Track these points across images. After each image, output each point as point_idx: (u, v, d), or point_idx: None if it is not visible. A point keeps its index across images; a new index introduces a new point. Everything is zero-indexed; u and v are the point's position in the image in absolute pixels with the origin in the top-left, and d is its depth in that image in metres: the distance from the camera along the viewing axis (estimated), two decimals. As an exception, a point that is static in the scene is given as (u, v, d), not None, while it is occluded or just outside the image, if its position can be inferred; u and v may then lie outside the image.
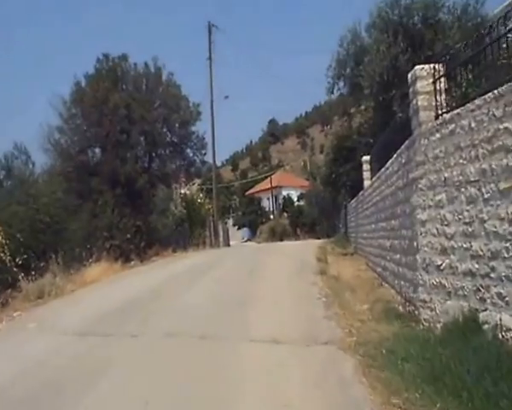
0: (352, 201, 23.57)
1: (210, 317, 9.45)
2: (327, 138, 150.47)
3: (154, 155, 29.01)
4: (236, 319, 9.15)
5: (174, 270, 18.63)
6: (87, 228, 24.75)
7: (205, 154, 30.84)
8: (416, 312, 7.81)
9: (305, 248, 24.63)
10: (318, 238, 45.28)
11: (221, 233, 39.99)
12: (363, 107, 23.32)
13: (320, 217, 46.59)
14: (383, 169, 12.10)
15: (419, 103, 7.73)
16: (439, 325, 6.90)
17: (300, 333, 7.86)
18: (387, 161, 11.32)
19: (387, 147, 11.62)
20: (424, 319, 7.39)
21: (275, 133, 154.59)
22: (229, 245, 45.53)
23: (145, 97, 27.64)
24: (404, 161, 8.97)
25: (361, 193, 18.94)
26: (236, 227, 71.77)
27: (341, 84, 22.23)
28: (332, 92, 22.73)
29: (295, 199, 64.94)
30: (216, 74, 39.14)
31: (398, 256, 9.96)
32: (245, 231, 71.31)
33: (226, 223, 65.55)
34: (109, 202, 25.32)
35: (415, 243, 7.94)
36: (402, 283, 9.42)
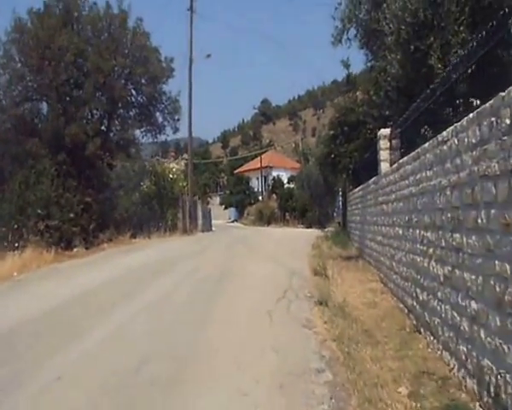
0: (357, 189, 17.60)
1: None
2: (319, 122, 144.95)
3: (113, 116, 22.62)
4: None
5: (110, 272, 12.57)
6: (17, 203, 18.61)
7: (178, 120, 24.57)
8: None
9: (297, 245, 18.75)
10: (309, 226, 39.37)
11: (200, 215, 33.83)
12: (378, 64, 17.14)
13: (312, 202, 40.54)
14: (428, 145, 6.12)
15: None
16: None
17: None
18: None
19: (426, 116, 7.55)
20: None
21: (267, 113, 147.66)
22: (210, 229, 39.53)
23: (104, 44, 21.25)
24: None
25: (372, 180, 12.86)
26: (223, 206, 66.05)
27: (352, 32, 15.97)
28: (340, 41, 16.34)
29: (285, 181, 59.06)
30: (199, 30, 32.37)
31: (469, 305, 4.12)
32: (232, 211, 66.07)
33: (208, 203, 59.44)
34: (48, 170, 19.06)
35: None
36: (469, 346, 3.75)
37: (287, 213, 48.45)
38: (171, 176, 26.73)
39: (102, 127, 22.42)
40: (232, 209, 65.79)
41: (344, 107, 20.91)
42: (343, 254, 15.94)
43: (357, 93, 21.01)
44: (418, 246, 6.77)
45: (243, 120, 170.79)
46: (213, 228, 42.74)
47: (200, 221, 33.64)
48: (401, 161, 8.59)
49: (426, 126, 8.12)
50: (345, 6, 15.54)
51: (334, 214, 35.56)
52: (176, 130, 24.64)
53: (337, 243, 18.86)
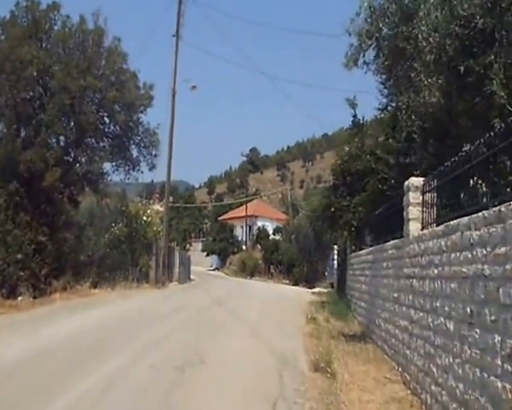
0: (363, 251, 14.47)
1: None
2: (307, 174, 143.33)
3: (81, 145, 19.34)
4: None
5: (34, 344, 9.06)
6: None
7: (155, 156, 21.37)
8: None
9: (286, 310, 15.47)
10: (296, 284, 35.95)
11: (177, 263, 30.28)
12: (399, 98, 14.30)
13: (300, 257, 37.22)
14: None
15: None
16: None
17: None
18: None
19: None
20: None
21: (254, 162, 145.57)
22: (188, 279, 36.00)
23: (74, 62, 18.24)
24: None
25: (392, 244, 9.63)
26: (205, 253, 62.63)
27: (371, 53, 12.95)
28: (355, 63, 13.20)
29: (271, 232, 55.93)
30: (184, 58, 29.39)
31: None
32: (214, 259, 63.14)
33: (188, 250, 55.81)
34: (-5, 201, 15.76)
35: None
36: None
37: (271, 266, 45.11)
38: (145, 218, 23.37)
39: (68, 157, 19.13)
40: (214, 257, 62.63)
41: (348, 153, 17.96)
42: (345, 331, 12.62)
43: (366, 138, 18.13)
44: (498, 362, 3.59)
45: (230, 168, 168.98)
46: (192, 277, 39.23)
47: (176, 270, 30.12)
48: (455, 222, 5.41)
49: (475, 178, 5.88)
50: (364, 18, 12.25)
51: (326, 273, 32.28)
52: (152, 166, 21.46)
53: (335, 312, 15.55)
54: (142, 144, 20.95)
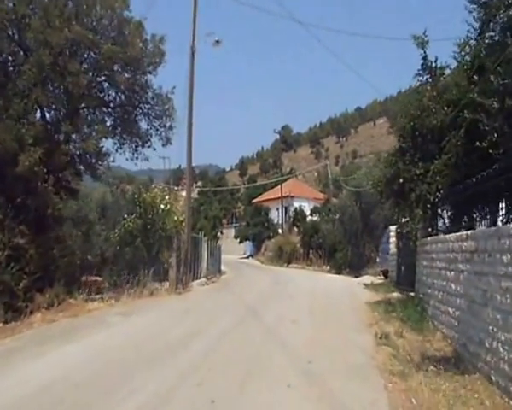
0: (451, 235, 9.93)
1: None
2: (342, 150, 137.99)
3: (72, 117, 15.20)
4: None
5: None
6: None
7: (170, 128, 17.12)
8: None
9: (340, 321, 11.18)
10: (339, 271, 31.50)
11: (205, 256, 26.19)
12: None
13: (343, 241, 32.63)
14: None
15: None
16: None
17: None
18: None
19: None
20: None
21: (287, 140, 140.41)
22: (218, 272, 31.97)
23: (57, 10, 14.06)
24: None
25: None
26: (238, 240, 58.57)
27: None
28: (480, 36, 9.61)
29: (308, 213, 51.45)
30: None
31: None
32: (248, 246, 58.82)
33: (218, 238, 51.63)
34: None
35: None
36: None
37: (311, 251, 40.71)
38: (162, 206, 19.22)
39: (56, 135, 15.07)
40: (248, 243, 58.38)
41: (419, 106, 13.37)
42: (429, 351, 8.42)
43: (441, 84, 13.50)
44: None
45: (262, 148, 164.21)
46: (223, 269, 35.21)
47: (204, 264, 26.03)
48: None
49: None
50: None
51: (378, 259, 27.70)
52: (167, 141, 17.18)
53: (406, 320, 11.18)
54: (153, 114, 16.68)
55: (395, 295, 16.09)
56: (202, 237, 25.68)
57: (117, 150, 16.45)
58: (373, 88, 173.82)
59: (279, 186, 55.61)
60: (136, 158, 16.98)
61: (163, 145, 17.19)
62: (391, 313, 12.14)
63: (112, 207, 25.01)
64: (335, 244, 33.84)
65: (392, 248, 22.55)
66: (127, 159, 16.69)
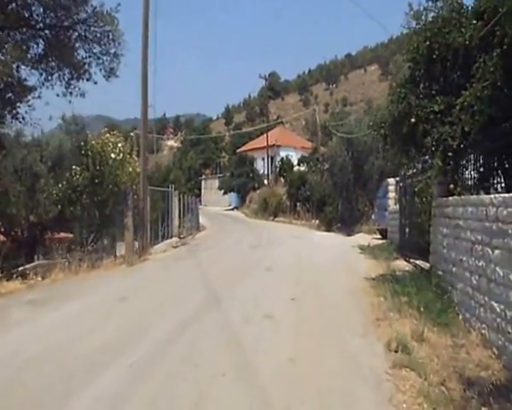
0: (491, 198, 6.63)
1: None
2: (332, 98, 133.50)
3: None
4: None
5: None
6: None
7: (116, 56, 13.34)
8: None
9: (334, 316, 7.86)
10: (329, 227, 28.32)
11: (175, 214, 22.73)
12: None
13: (333, 193, 29.27)
14: None
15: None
16: None
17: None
18: None
19: None
20: None
21: (275, 88, 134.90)
22: (197, 229, 28.88)
23: None
24: None
25: None
26: (223, 191, 55.46)
27: None
28: None
29: (295, 163, 48.20)
30: None
31: None
32: (232, 197, 55.98)
33: (195, 194, 47.97)
34: None
35: None
36: None
37: (298, 204, 37.49)
38: (113, 155, 15.63)
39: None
40: (233, 195, 55.35)
41: (438, 20, 9.77)
42: (467, 368, 5.36)
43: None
44: None
45: (250, 96, 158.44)
46: (203, 224, 32.20)
47: (175, 222, 22.63)
48: None
49: None
50: None
51: (373, 216, 24.41)
52: (110, 72, 13.48)
53: (424, 308, 7.89)
54: (91, 37, 12.89)
55: (400, 265, 12.82)
56: (173, 190, 22.17)
57: (43, 83, 12.70)
58: (380, 27, 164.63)
59: (265, 135, 52.09)
60: (70, 93, 13.32)
61: (106, 78, 13.46)
62: (401, 296, 8.83)
63: (70, 159, 21.53)
64: (324, 197, 30.55)
65: (392, 204, 19.25)
66: (58, 94, 13.00)
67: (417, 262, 12.33)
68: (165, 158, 78.16)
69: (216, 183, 61.69)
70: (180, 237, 22.56)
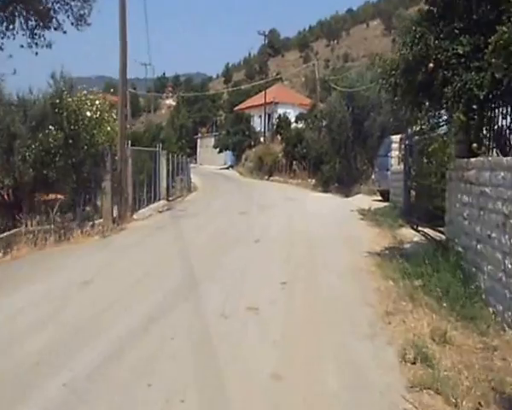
0: None
1: None
2: (333, 53, 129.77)
3: None
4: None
5: None
6: None
7: (86, 1, 11.53)
8: None
9: (332, 283, 6.41)
10: (326, 187, 26.89)
11: (163, 175, 21.05)
12: None
13: (330, 151, 27.56)
14: None
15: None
16: None
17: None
18: None
19: None
20: None
21: (274, 45, 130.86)
22: (189, 189, 27.41)
23: None
24: None
25: None
26: (218, 149, 53.93)
27: None
28: None
29: (293, 120, 46.34)
30: None
31: None
32: (227, 156, 54.77)
33: (190, 154, 46.23)
34: None
35: None
36: None
37: (294, 162, 35.91)
38: (88, 114, 13.89)
39: None
40: (228, 153, 53.96)
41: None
42: (504, 378, 4.21)
43: None
44: None
45: (250, 54, 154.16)
46: (196, 184, 30.79)
47: (163, 183, 21.01)
48: None
49: None
50: None
51: (373, 176, 22.75)
52: (80, 20, 11.69)
53: (443, 296, 6.39)
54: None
55: (407, 234, 11.32)
56: (160, 150, 20.49)
57: (4, 34, 10.95)
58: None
59: (263, 92, 50.09)
60: (36, 44, 11.57)
61: (75, 25, 11.68)
62: (413, 278, 7.33)
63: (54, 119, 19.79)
64: (322, 155, 28.94)
65: (395, 164, 17.66)
66: (22, 45, 11.24)
67: (426, 231, 10.83)
68: (164, 117, 76.29)
69: (212, 141, 60.03)
70: (168, 200, 21.06)
